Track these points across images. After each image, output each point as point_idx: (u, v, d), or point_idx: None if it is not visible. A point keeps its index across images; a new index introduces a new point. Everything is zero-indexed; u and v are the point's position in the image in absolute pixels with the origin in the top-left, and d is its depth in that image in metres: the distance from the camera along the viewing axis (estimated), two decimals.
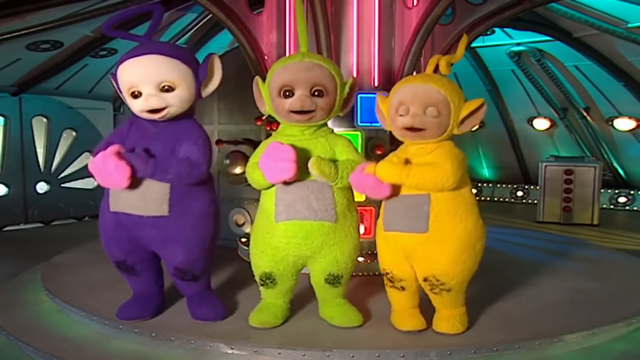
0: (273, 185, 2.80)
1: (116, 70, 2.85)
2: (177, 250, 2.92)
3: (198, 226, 2.92)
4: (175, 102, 2.79)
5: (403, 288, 2.88)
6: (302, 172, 2.74)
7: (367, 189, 2.71)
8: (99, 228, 3.04)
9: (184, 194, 2.85)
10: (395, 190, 2.70)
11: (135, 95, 2.77)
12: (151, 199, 2.80)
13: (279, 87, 2.76)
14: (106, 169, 2.65)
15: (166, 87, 2.75)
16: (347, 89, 2.87)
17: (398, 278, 2.86)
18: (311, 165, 2.66)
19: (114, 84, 2.91)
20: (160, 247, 2.96)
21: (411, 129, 2.66)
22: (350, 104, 2.96)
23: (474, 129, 2.91)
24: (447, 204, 2.66)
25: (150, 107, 2.75)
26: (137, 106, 2.79)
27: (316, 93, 2.75)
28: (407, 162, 2.69)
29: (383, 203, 2.84)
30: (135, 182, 2.75)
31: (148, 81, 2.73)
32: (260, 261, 2.93)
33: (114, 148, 2.69)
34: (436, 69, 2.85)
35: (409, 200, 2.70)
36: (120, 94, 2.91)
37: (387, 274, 2.90)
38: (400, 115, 2.69)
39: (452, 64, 2.86)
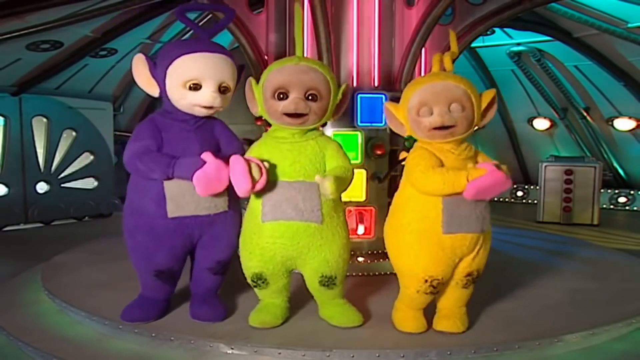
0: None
1: (169, 58, 2.82)
2: (227, 243, 3.04)
3: (240, 219, 3.07)
4: (225, 103, 2.94)
5: (439, 292, 2.85)
6: (290, 173, 2.76)
7: (495, 187, 2.57)
8: (135, 238, 2.95)
9: (231, 190, 2.93)
10: None
11: (193, 88, 2.80)
12: (218, 197, 2.87)
13: (274, 88, 2.76)
14: (235, 174, 2.65)
15: (224, 88, 2.87)
16: (340, 95, 2.87)
17: (444, 282, 2.81)
18: (330, 190, 2.60)
19: (143, 66, 2.89)
20: (213, 243, 3.01)
21: (442, 127, 2.64)
22: (342, 110, 2.96)
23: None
24: (486, 203, 2.77)
25: (212, 104, 2.84)
26: (197, 99, 2.83)
27: (310, 97, 2.75)
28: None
29: (440, 206, 2.67)
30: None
31: (214, 78, 2.82)
32: (249, 262, 2.93)
33: (218, 161, 2.69)
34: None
35: (470, 201, 2.66)
36: (146, 78, 2.90)
37: (434, 280, 2.75)
38: (425, 117, 2.67)
39: (453, 61, 2.87)
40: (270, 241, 2.81)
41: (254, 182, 2.64)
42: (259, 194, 2.81)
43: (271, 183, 2.77)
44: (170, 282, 3.10)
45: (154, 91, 2.94)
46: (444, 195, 2.64)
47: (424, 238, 2.72)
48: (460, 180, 2.55)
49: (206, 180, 2.69)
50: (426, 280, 2.75)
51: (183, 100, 2.85)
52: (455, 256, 2.75)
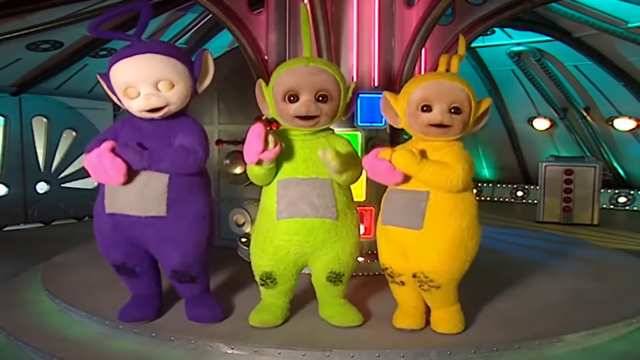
0: (272, 180, 2.82)
1: (107, 71, 2.82)
2: (174, 252, 2.90)
3: (194, 227, 2.90)
4: (175, 99, 2.80)
5: (403, 283, 2.89)
6: (303, 170, 2.77)
7: (380, 173, 2.72)
8: (94, 231, 3.01)
9: (181, 194, 2.84)
10: (406, 179, 2.70)
11: (131, 95, 2.76)
12: (149, 199, 2.78)
13: (284, 91, 2.76)
14: (101, 165, 2.65)
15: (165, 86, 2.75)
16: (349, 94, 2.88)
17: (397, 273, 2.88)
18: (331, 157, 2.63)
19: (104, 84, 2.89)
20: (158, 249, 2.94)
21: (439, 125, 2.67)
22: (353, 108, 2.96)
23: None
24: (444, 203, 2.67)
25: (151, 106, 2.74)
26: (136, 106, 2.78)
27: (320, 98, 2.75)
28: (422, 154, 2.70)
29: (384, 196, 2.86)
30: (131, 178, 2.74)
31: (146, 80, 2.72)
32: (260, 260, 2.93)
33: (107, 144, 2.68)
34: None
35: (408, 196, 2.72)
36: (111, 94, 2.89)
37: (387, 269, 2.92)
38: (424, 112, 2.70)
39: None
40: (285, 239, 2.81)
41: (267, 148, 2.61)
42: (272, 191, 2.81)
43: (285, 180, 2.78)
44: (135, 277, 3.05)
45: (119, 103, 2.90)
46: (390, 188, 2.81)
47: (378, 227, 2.94)
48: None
49: (89, 167, 2.70)
50: (386, 268, 2.93)
51: (130, 108, 2.82)
52: (394, 249, 2.83)
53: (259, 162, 2.69)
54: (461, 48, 2.98)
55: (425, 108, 2.69)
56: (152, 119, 2.84)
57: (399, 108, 2.83)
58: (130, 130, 2.87)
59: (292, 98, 2.75)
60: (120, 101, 2.86)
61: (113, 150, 2.68)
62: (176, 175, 2.81)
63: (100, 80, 2.89)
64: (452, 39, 4.37)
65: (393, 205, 2.79)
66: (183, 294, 3.14)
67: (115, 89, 2.81)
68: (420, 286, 2.78)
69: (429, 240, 2.67)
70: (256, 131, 2.61)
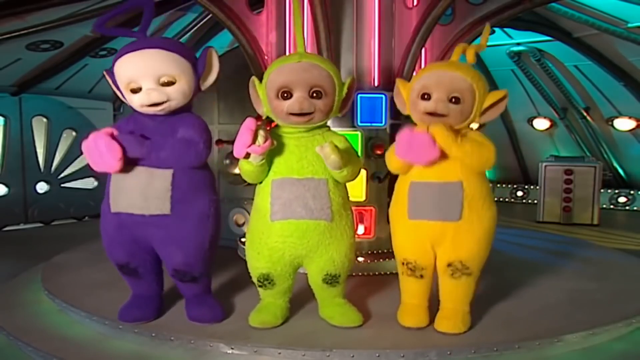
0: (264, 179, 2.81)
1: (112, 67, 2.84)
2: (177, 251, 2.90)
3: (198, 227, 2.87)
4: (176, 95, 2.79)
5: (422, 276, 2.89)
6: (298, 169, 2.75)
7: (417, 147, 2.61)
8: (100, 230, 3.02)
9: (185, 193, 2.82)
10: (437, 160, 2.63)
11: (135, 90, 2.77)
12: (152, 197, 2.77)
13: (277, 88, 2.73)
14: (98, 149, 2.63)
15: (166, 81, 2.75)
16: (345, 89, 2.85)
17: (420, 267, 2.86)
18: (329, 152, 2.61)
19: (109, 80, 2.90)
20: (161, 248, 2.94)
21: (433, 114, 2.68)
22: (349, 104, 2.92)
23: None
24: (477, 191, 2.73)
25: (151, 101, 2.75)
26: (137, 100, 2.78)
27: (314, 94, 2.72)
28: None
29: (407, 191, 2.77)
30: (133, 173, 2.74)
31: (148, 75, 2.73)
32: (257, 263, 2.92)
33: (106, 129, 2.68)
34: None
35: (440, 188, 2.70)
36: (117, 90, 2.90)
37: (409, 263, 2.88)
38: (423, 100, 2.71)
39: (477, 53, 2.86)
40: (279, 240, 2.79)
41: (255, 143, 2.60)
42: (267, 191, 2.80)
43: (279, 180, 2.76)
44: (137, 277, 3.06)
45: (123, 99, 2.91)
46: (412, 181, 2.76)
47: (397, 221, 2.89)
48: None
49: (86, 151, 2.67)
50: (403, 263, 2.90)
51: (132, 103, 2.83)
52: (425, 242, 2.81)
53: (247, 156, 2.69)
54: (484, 37, 2.94)
55: (425, 96, 2.71)
56: (155, 116, 2.84)
57: (405, 95, 2.86)
58: (134, 126, 2.86)
59: (285, 95, 2.72)
60: (124, 97, 2.88)
61: (112, 135, 2.66)
62: (180, 173, 2.79)
63: (107, 77, 2.90)
64: (452, 39, 4.37)
65: (423, 198, 2.74)
66: (184, 292, 3.14)
67: (119, 84, 2.83)
68: (452, 274, 2.80)
69: (468, 229, 2.74)
70: (247, 124, 2.61)
